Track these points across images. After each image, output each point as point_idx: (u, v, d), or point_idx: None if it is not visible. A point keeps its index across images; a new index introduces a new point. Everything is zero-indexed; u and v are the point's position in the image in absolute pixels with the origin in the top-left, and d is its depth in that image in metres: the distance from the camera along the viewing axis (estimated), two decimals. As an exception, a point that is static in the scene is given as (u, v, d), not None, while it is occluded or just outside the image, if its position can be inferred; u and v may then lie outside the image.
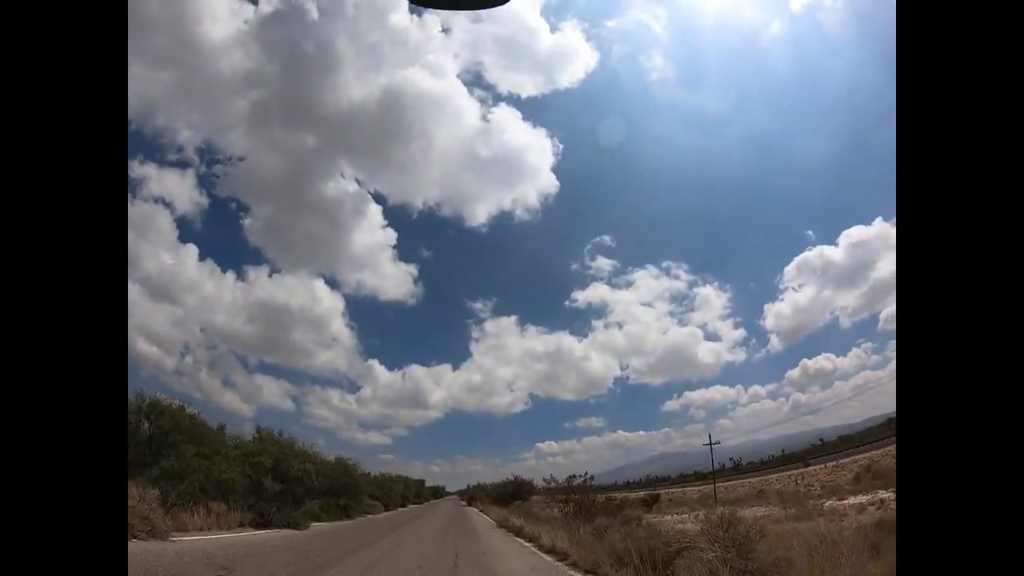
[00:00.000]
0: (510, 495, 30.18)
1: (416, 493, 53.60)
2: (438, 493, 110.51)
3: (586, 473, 17.88)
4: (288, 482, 15.90)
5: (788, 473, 54.32)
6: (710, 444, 47.77)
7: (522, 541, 13.04)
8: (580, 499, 16.74)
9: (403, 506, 39.87)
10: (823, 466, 48.97)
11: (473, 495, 51.90)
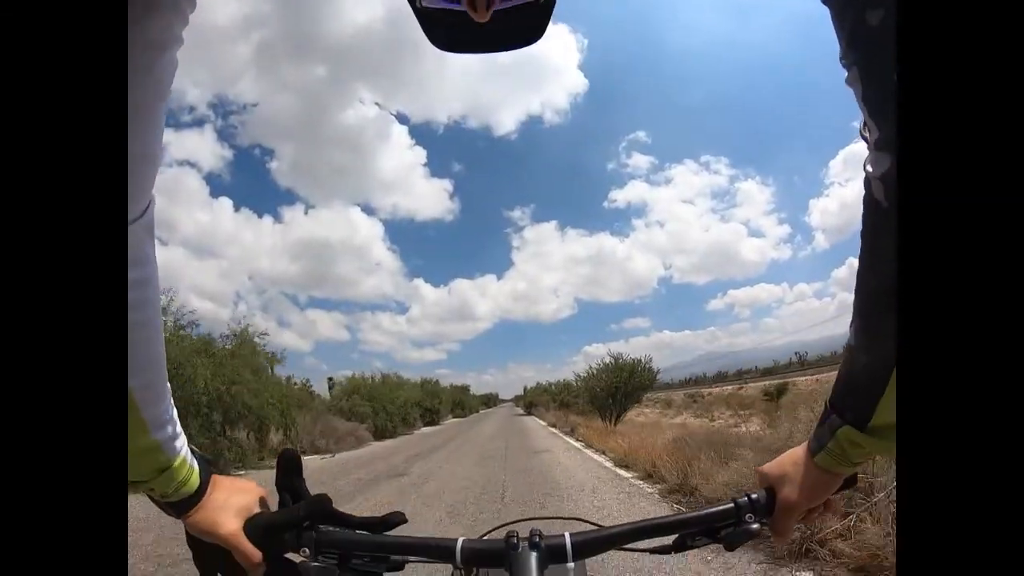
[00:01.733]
0: (610, 395, 15.37)
1: (457, 403, 40.87)
2: (491, 401, 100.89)
3: None
4: None
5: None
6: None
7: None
8: None
9: (433, 423, 26.48)
10: None
11: (532, 400, 38.81)
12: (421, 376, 30.20)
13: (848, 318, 0.49)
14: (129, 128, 0.32)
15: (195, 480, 0.51)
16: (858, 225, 0.46)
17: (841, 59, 0.41)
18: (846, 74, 0.41)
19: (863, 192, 0.44)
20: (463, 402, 42.58)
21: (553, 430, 18.14)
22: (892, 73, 0.34)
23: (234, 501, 0.53)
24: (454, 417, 38.56)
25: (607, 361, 15.98)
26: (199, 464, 0.52)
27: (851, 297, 0.48)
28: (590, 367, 16.48)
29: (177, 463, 0.49)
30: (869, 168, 0.43)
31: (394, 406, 17.96)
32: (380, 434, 16.77)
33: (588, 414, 22.04)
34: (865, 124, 0.42)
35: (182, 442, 0.49)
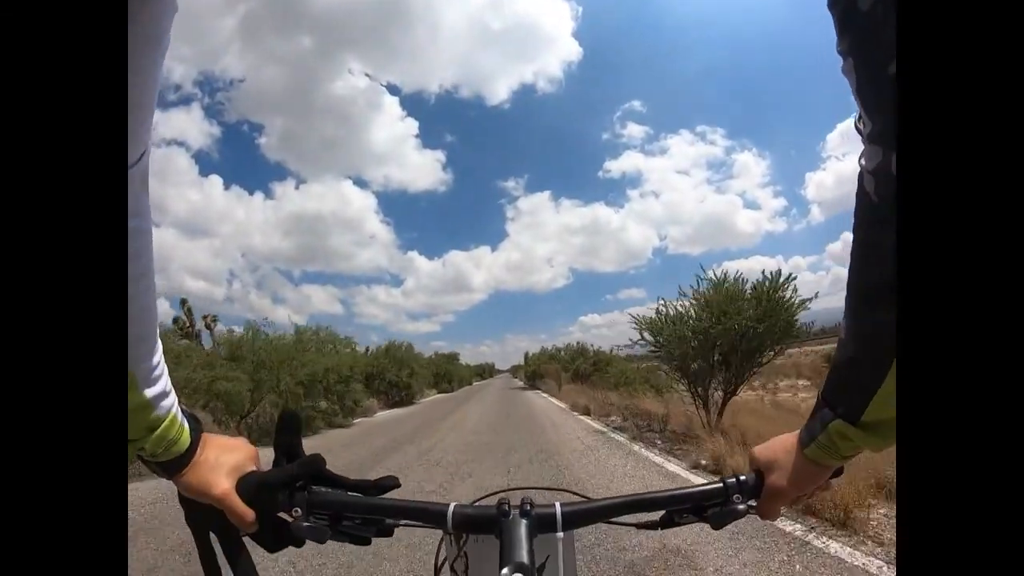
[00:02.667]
0: (719, 350, 7.34)
1: (442, 374, 33.14)
2: (485, 371, 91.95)
3: None
4: None
5: None
6: None
7: None
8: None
9: (402, 403, 18.62)
10: None
11: (537, 370, 30.84)
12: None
13: (841, 292, 0.48)
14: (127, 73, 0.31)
15: (185, 439, 0.49)
16: (853, 199, 0.45)
17: (837, 48, 0.41)
18: (841, 63, 0.40)
19: (856, 186, 0.44)
20: (449, 373, 34.44)
21: (590, 422, 10.17)
22: (885, 64, 0.35)
23: (225, 460, 0.52)
24: (439, 392, 30.91)
25: (704, 287, 7.80)
26: (189, 422, 0.50)
27: (845, 271, 0.47)
28: (662, 305, 8.20)
29: (168, 421, 0.47)
30: (863, 162, 0.42)
31: (295, 380, 9.79)
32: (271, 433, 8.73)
33: (622, 388, 14.41)
34: (860, 116, 0.41)
35: (172, 399, 0.48)
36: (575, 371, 24.03)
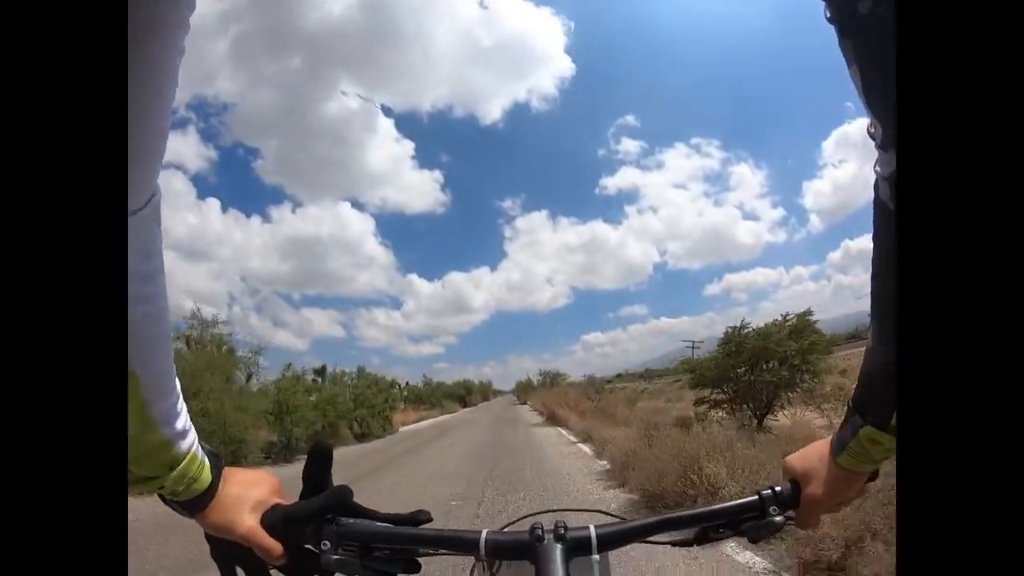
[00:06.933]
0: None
1: (378, 415, 15.36)
2: (473, 393, 67.50)
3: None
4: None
5: None
6: None
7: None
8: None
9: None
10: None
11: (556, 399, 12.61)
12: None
13: (844, 301, 0.92)
14: (131, 115, 0.30)
15: (206, 476, 0.49)
16: (852, 207, 0.51)
17: (842, 52, 0.40)
18: (847, 68, 0.40)
19: (872, 195, 0.44)
20: (323, 399, 13.52)
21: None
22: (888, 68, 0.34)
23: (248, 495, 0.52)
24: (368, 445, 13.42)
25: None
26: (209, 459, 0.50)
27: (846, 279, 0.67)
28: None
29: (187, 459, 0.47)
30: (878, 169, 0.42)
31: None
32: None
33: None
34: (872, 122, 0.41)
35: (192, 437, 0.48)
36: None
